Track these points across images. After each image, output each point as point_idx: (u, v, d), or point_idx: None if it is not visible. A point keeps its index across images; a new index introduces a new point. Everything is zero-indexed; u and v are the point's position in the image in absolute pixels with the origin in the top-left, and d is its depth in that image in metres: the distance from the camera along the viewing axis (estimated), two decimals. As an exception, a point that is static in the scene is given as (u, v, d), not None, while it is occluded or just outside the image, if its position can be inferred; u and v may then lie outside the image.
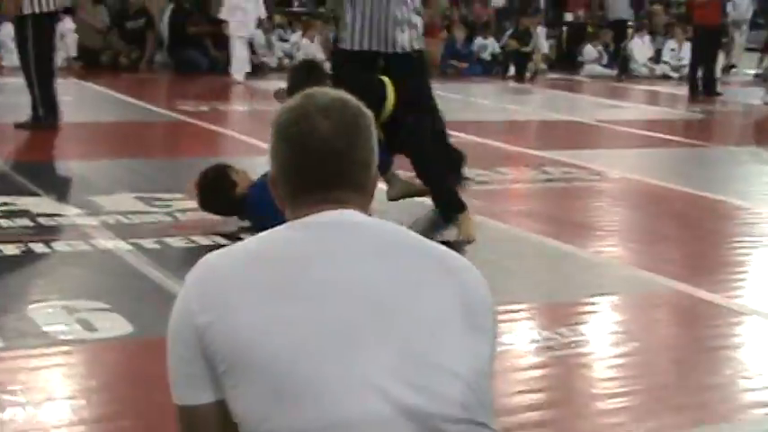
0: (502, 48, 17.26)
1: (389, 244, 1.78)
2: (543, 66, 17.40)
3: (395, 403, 1.61)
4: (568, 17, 19.25)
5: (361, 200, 1.84)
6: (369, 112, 1.87)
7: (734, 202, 6.93)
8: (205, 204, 5.45)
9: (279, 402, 1.62)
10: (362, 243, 1.76)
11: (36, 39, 8.46)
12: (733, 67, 19.12)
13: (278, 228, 1.81)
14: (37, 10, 8.45)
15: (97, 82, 12.73)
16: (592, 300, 4.55)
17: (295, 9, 17.57)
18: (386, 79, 5.58)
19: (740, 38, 19.41)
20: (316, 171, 1.80)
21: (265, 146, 7.33)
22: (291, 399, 1.62)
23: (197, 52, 14.99)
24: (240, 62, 14.08)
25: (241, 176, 5.46)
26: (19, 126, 8.52)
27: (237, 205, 5.37)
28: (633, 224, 6.41)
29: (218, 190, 5.37)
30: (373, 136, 1.86)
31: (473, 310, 1.73)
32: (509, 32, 17.30)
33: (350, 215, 1.80)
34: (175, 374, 1.74)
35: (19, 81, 8.87)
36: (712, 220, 6.48)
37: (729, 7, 17.38)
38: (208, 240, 5.19)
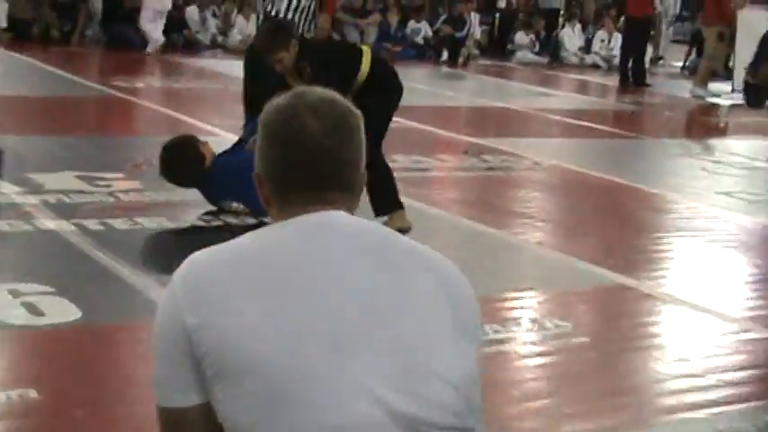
0: (435, 32, 17.28)
1: (378, 246, 1.77)
2: (476, 51, 17.48)
3: (386, 408, 1.60)
4: (501, 4, 19.34)
5: (349, 201, 1.84)
6: (357, 111, 1.85)
7: (666, 195, 7.04)
8: (169, 174, 5.38)
9: (269, 407, 1.61)
10: (352, 245, 1.75)
11: None
12: (660, 58, 19.39)
13: (267, 228, 1.80)
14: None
15: (28, 54, 12.47)
16: (521, 294, 4.59)
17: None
18: (365, 48, 5.57)
19: (667, 30, 19.69)
20: (305, 170, 1.79)
21: (204, 125, 7.27)
22: (282, 403, 1.61)
23: (130, 28, 14.74)
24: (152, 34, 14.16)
25: (207, 149, 5.43)
26: None
27: (201, 178, 5.31)
28: (570, 215, 6.48)
29: (184, 160, 5.31)
30: (362, 135, 1.85)
31: (462, 315, 1.73)
32: (443, 17, 17.33)
33: (339, 216, 1.79)
34: (161, 375, 1.71)
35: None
36: (648, 213, 6.58)
37: (657, 0, 17.60)
38: (152, 223, 5.13)
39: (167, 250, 4.84)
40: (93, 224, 5.00)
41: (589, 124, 10.47)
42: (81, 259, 4.51)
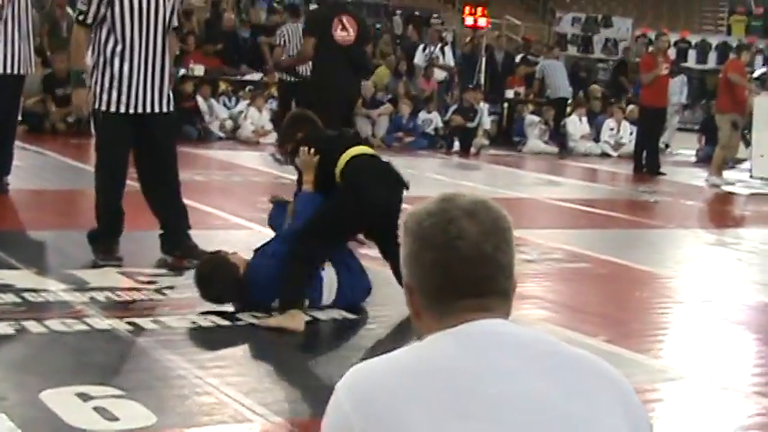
0: (445, 122, 17.36)
1: (548, 354, 1.71)
2: (485, 142, 17.51)
3: None
4: (509, 94, 19.46)
5: (506, 306, 1.79)
6: (508, 215, 1.81)
7: (706, 285, 6.97)
8: (209, 295, 5.22)
9: None
10: (525, 355, 1.69)
11: None
12: (667, 146, 19.49)
13: (428, 339, 1.73)
14: (1, 71, 8.25)
15: (42, 146, 12.43)
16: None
17: (243, 79, 17.44)
18: (352, 151, 5.47)
19: (673, 119, 19.83)
20: (465, 277, 1.74)
21: (228, 217, 7.21)
22: None
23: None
24: None
25: (237, 259, 5.31)
26: None
27: (239, 291, 5.20)
28: (612, 306, 6.37)
29: (222, 278, 5.16)
30: (513, 239, 1.80)
31: (638, 425, 1.69)
32: (454, 107, 17.42)
33: (503, 325, 1.74)
34: None
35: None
36: (690, 304, 6.49)
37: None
38: (206, 321, 5.03)
39: (227, 349, 4.73)
40: (147, 323, 4.90)
41: (611, 213, 10.44)
42: (143, 359, 4.42)
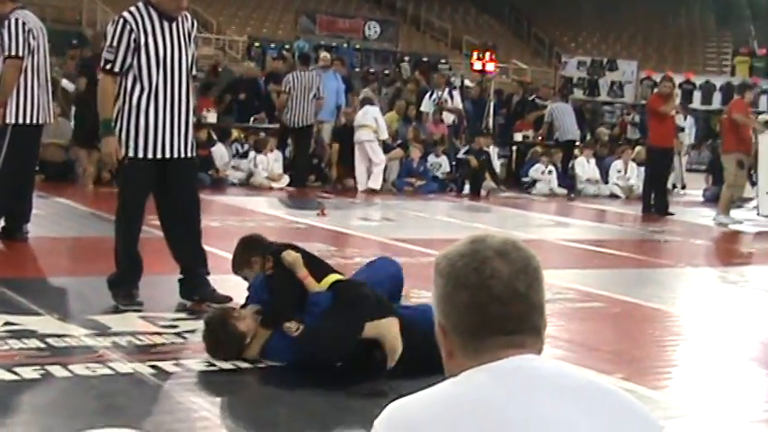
0: (456, 163, 17.41)
1: (581, 389, 1.74)
2: (493, 184, 17.52)
3: None
4: (517, 137, 19.56)
5: (539, 343, 1.82)
6: (536, 255, 1.86)
7: (735, 326, 6.98)
8: (217, 356, 5.16)
9: None
10: (558, 390, 1.72)
11: (11, 150, 8.27)
12: (675, 187, 19.54)
13: (467, 374, 1.76)
14: (20, 120, 8.33)
15: (62, 195, 12.52)
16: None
17: (256, 126, 17.55)
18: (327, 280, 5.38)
19: (680, 159, 19.89)
20: (499, 316, 1.77)
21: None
22: None
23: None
24: None
25: (246, 322, 5.18)
26: None
27: (243, 350, 5.15)
28: (631, 346, 6.38)
29: (226, 343, 5.12)
30: (543, 278, 1.84)
31: None
32: (465, 148, 17.49)
33: (536, 360, 1.77)
34: None
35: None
36: (719, 343, 6.50)
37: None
38: (227, 364, 5.04)
39: (249, 391, 4.76)
40: (169, 366, 4.93)
41: (621, 253, 10.47)
42: (166, 401, 4.45)
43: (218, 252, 8.10)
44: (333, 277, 5.39)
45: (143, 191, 6.34)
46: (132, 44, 6.11)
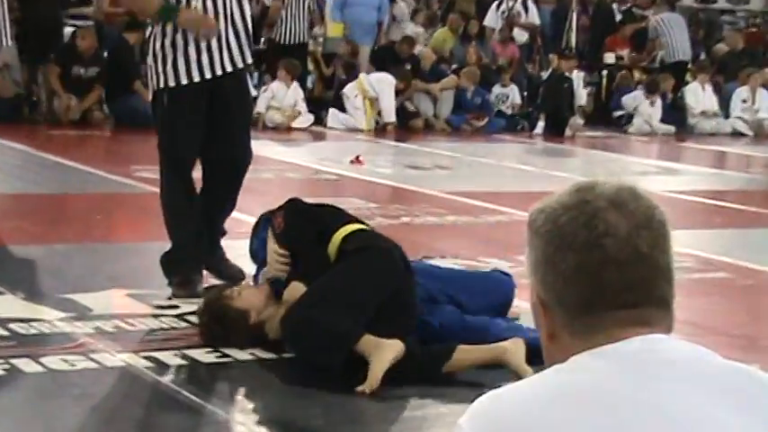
0: (530, 94, 17.39)
1: (737, 384, 1.73)
2: (580, 121, 17.43)
3: None
4: (609, 58, 19.43)
5: (667, 320, 1.80)
6: (661, 206, 1.82)
7: None
8: (216, 344, 5.19)
9: None
10: (695, 379, 1.70)
11: None
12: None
13: (575, 360, 1.74)
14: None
15: (15, 140, 12.57)
16: None
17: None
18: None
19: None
20: (617, 284, 1.75)
21: (250, 219, 7.23)
22: None
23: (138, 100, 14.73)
24: None
25: (242, 298, 5.22)
26: None
27: (256, 331, 5.19)
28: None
29: (225, 329, 5.14)
30: (671, 235, 1.81)
31: None
32: (547, 74, 17.47)
33: (665, 341, 1.75)
34: None
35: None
36: None
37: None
38: (244, 354, 5.05)
39: (272, 390, 4.77)
40: (170, 357, 4.96)
41: (748, 208, 10.53)
42: (173, 405, 4.46)
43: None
44: (348, 228, 5.31)
45: (193, 128, 6.14)
46: None
